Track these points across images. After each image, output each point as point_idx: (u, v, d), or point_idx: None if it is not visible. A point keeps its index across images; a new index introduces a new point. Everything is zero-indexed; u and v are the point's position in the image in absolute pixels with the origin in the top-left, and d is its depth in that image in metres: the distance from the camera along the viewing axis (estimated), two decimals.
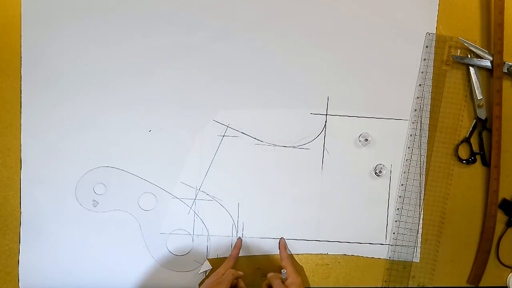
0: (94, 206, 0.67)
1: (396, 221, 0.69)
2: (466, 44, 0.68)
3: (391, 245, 0.69)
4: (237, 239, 0.68)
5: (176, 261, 0.67)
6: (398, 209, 0.69)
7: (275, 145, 0.68)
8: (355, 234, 0.69)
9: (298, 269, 0.68)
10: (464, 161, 0.70)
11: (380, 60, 0.69)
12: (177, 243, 0.68)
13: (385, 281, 0.70)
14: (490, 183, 0.69)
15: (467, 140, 0.70)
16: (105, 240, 0.67)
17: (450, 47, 0.69)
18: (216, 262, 0.68)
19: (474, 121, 0.70)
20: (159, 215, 0.67)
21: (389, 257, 0.70)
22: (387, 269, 0.70)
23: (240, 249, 0.67)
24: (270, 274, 0.63)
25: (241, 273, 0.63)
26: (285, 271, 0.61)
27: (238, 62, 0.68)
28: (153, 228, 0.67)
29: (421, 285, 0.70)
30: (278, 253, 0.68)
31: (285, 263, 0.64)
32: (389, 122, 0.69)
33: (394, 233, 0.69)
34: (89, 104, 0.67)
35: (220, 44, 0.67)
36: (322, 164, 0.69)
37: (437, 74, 0.69)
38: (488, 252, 0.69)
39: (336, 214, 0.69)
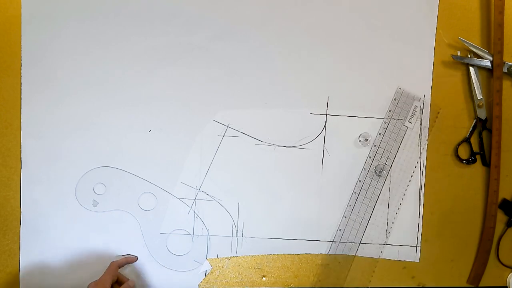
0: (94, 206, 0.67)
1: (396, 221, 0.69)
2: (466, 44, 0.68)
3: (391, 245, 0.69)
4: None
5: (176, 261, 0.67)
6: (398, 209, 0.69)
7: (275, 145, 0.68)
8: (355, 234, 0.69)
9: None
10: (464, 161, 0.70)
11: (380, 60, 0.69)
12: (177, 243, 0.68)
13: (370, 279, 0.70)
14: (490, 183, 0.69)
15: (467, 140, 0.70)
16: (105, 240, 0.67)
17: (450, 46, 0.69)
18: (216, 262, 0.68)
19: (474, 121, 0.70)
20: (159, 215, 0.67)
21: (389, 257, 0.70)
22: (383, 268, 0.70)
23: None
24: None
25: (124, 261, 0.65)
26: None
27: (238, 62, 0.68)
28: (153, 228, 0.67)
29: (421, 285, 0.70)
30: (277, 253, 0.68)
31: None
32: (389, 122, 0.69)
33: (394, 233, 0.69)
34: (89, 104, 0.67)
35: (220, 44, 0.67)
36: (322, 164, 0.69)
37: (437, 74, 0.69)
38: (488, 252, 0.69)
39: (335, 214, 0.69)
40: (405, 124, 0.69)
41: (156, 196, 0.67)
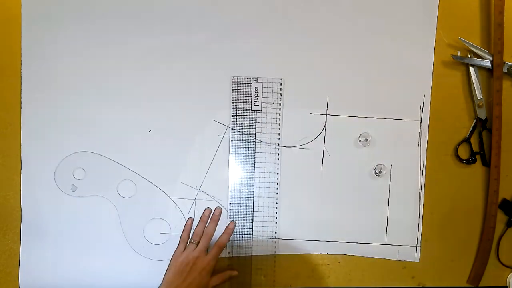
0: None
1: (396, 221, 0.69)
2: (466, 44, 0.68)
3: (391, 245, 0.69)
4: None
5: None
6: (398, 209, 0.69)
7: (275, 145, 0.68)
8: (355, 234, 0.69)
9: None
10: (464, 161, 0.70)
11: (380, 60, 0.69)
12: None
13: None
14: (490, 183, 0.69)
15: (467, 140, 0.70)
16: (106, 240, 0.67)
17: (450, 46, 0.69)
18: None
19: (474, 121, 0.70)
20: (159, 215, 0.67)
21: (389, 257, 0.70)
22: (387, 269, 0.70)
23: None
24: None
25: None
26: None
27: (238, 62, 0.68)
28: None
29: (421, 285, 0.70)
30: (278, 253, 0.68)
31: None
32: (389, 122, 0.69)
33: (394, 233, 0.69)
34: (89, 104, 0.66)
35: (220, 44, 0.67)
36: (322, 164, 0.69)
37: (437, 74, 0.69)
38: (488, 252, 0.69)
39: (336, 214, 0.69)
40: (252, 109, 0.67)
41: (156, 196, 0.67)
